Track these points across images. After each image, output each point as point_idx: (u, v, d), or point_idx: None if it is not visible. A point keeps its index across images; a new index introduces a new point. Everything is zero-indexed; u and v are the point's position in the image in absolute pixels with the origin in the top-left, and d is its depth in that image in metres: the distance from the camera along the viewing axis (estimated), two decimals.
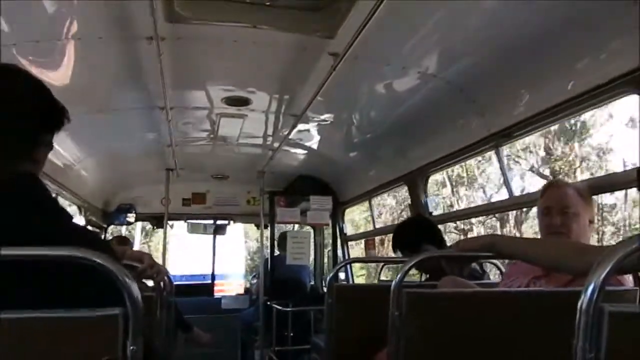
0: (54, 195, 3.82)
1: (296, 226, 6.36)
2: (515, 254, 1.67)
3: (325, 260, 6.50)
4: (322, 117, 3.64)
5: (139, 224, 6.84)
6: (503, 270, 2.65)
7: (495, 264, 2.76)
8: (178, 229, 6.95)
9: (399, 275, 1.49)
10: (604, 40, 1.99)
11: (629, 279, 1.83)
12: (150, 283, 1.84)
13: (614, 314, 0.78)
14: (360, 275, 11.42)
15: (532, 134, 2.69)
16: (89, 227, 4.98)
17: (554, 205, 2.06)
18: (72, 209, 4.66)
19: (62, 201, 4.26)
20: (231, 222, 6.32)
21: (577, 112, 2.34)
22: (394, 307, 1.45)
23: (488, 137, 2.80)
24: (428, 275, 2.84)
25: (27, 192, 1.09)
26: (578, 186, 2.12)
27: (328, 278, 2.37)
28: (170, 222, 6.57)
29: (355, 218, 11.16)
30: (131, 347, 0.91)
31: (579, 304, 0.76)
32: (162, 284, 1.77)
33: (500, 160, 2.85)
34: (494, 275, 3.18)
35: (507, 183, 2.83)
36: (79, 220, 4.72)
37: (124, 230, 6.24)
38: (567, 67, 2.22)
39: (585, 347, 0.76)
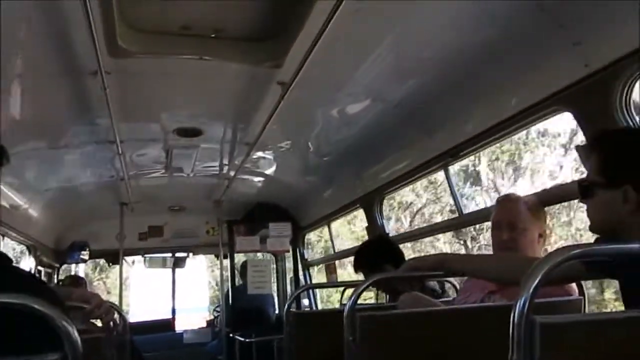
0: None
1: (258, 254, 6.30)
2: (465, 271, 1.71)
3: (289, 287, 6.44)
4: (278, 144, 3.66)
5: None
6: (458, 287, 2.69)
7: (451, 282, 2.80)
8: (138, 264, 6.75)
9: (351, 300, 1.49)
10: (538, 60, 2.08)
11: (574, 288, 1.89)
12: (99, 323, 1.78)
13: (545, 326, 0.80)
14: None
15: (477, 152, 2.78)
16: (40, 268, 4.78)
17: (502, 220, 2.12)
18: (20, 250, 4.48)
19: (9, 242, 4.09)
20: (190, 254, 6.20)
21: (519, 128, 2.43)
22: (348, 332, 1.45)
23: (436, 157, 2.88)
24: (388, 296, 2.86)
25: None
26: (528, 200, 2.19)
27: (285, 306, 2.34)
28: (130, 259, 6.39)
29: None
30: None
31: (511, 317, 0.79)
32: (112, 323, 1.72)
33: (448, 179, 2.93)
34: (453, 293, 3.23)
35: (456, 202, 2.91)
36: (29, 261, 4.53)
37: (73, 269, 5.99)
38: (506, 86, 2.31)
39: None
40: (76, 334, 0.90)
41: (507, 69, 2.22)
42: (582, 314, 1.66)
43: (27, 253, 4.59)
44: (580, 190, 1.43)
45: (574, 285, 1.90)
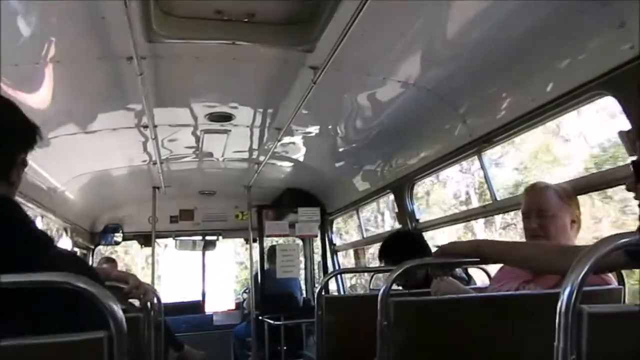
0: (38, 218, 3.79)
1: (284, 239, 6.35)
2: (501, 258, 1.68)
3: (317, 271, 6.48)
4: (307, 129, 3.66)
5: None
6: (491, 275, 2.66)
7: (483, 269, 2.77)
8: (170, 249, 6.85)
9: (385, 285, 1.49)
10: (580, 43, 2.02)
11: (612, 277, 1.85)
12: (137, 303, 1.82)
13: (593, 315, 0.79)
14: None
15: (512, 138, 2.72)
16: (76, 249, 4.92)
17: (531, 209, 2.12)
18: (58, 232, 4.61)
19: (47, 224, 4.22)
20: (220, 237, 6.29)
21: (555, 114, 2.36)
22: (382, 316, 1.45)
23: (470, 143, 2.83)
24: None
25: (2, 216, 1.07)
26: (558, 187, 2.15)
27: (317, 290, 2.36)
28: (162, 243, 6.52)
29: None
30: None
31: (558, 307, 0.77)
32: (149, 304, 1.76)
33: (482, 165, 2.88)
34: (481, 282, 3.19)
35: (490, 187, 2.86)
36: (66, 242, 4.66)
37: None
38: (544, 70, 2.26)
39: (567, 349, 0.77)
40: (121, 313, 0.92)
41: (546, 53, 2.17)
42: (631, 304, 1.62)
43: (63, 235, 4.72)
44: (635, 173, 1.35)
45: (611, 274, 1.86)
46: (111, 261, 4.49)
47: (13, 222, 1.07)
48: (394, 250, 2.89)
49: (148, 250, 6.37)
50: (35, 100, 2.61)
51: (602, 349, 0.79)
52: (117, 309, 0.91)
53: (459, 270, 2.65)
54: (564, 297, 0.77)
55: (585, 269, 0.77)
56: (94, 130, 3.30)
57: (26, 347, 0.90)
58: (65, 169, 3.89)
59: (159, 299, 2.47)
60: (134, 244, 6.33)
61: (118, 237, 5.87)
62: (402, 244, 2.92)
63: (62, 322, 0.99)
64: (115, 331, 0.91)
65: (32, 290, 0.96)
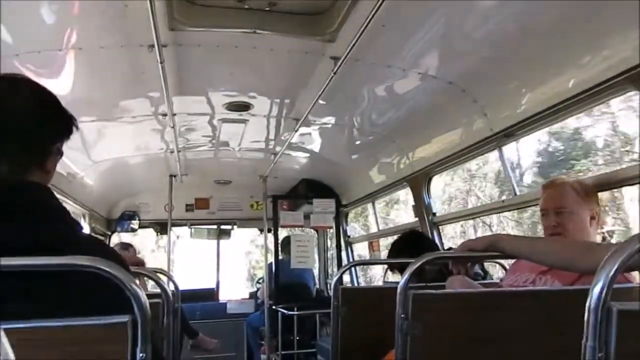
0: None
1: (299, 230, 6.36)
2: (521, 254, 1.66)
3: (330, 263, 6.49)
4: (324, 120, 3.65)
5: None
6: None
7: (500, 264, 2.75)
8: (185, 237, 6.90)
9: (405, 277, 1.49)
10: (604, 37, 1.98)
11: (635, 276, 1.82)
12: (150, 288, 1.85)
13: (622, 313, 0.77)
14: None
15: (533, 132, 2.69)
16: (93, 235, 4.98)
17: (548, 207, 2.12)
18: (76, 218, 4.66)
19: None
20: (234, 226, 6.33)
21: (578, 109, 2.33)
22: (401, 308, 1.45)
23: (490, 137, 2.80)
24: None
25: (35, 201, 1.08)
26: (575, 184, 2.13)
27: (333, 281, 2.37)
28: (176, 231, 6.58)
29: None
30: (140, 354, 0.91)
31: (587, 303, 0.76)
32: (167, 290, 1.78)
33: (502, 160, 2.85)
34: (497, 275, 3.18)
35: (511, 182, 2.83)
36: (83, 227, 4.72)
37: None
38: (567, 65, 2.22)
39: (595, 346, 0.76)
40: (145, 298, 0.93)
41: (569, 46, 2.13)
42: None
43: (81, 221, 4.77)
44: None
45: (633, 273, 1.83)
46: (129, 246, 4.50)
47: (50, 207, 1.09)
48: (407, 250, 2.85)
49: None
50: (56, 87, 2.62)
51: (631, 347, 0.78)
52: (142, 294, 0.92)
53: (475, 266, 2.63)
54: (594, 294, 0.76)
55: (616, 266, 0.76)
56: (113, 118, 3.33)
57: (49, 329, 0.91)
58: (84, 156, 3.94)
59: (176, 286, 2.50)
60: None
61: (134, 224, 5.93)
62: (411, 248, 2.88)
63: (87, 305, 0.99)
64: (139, 315, 0.92)
65: (58, 274, 0.97)
